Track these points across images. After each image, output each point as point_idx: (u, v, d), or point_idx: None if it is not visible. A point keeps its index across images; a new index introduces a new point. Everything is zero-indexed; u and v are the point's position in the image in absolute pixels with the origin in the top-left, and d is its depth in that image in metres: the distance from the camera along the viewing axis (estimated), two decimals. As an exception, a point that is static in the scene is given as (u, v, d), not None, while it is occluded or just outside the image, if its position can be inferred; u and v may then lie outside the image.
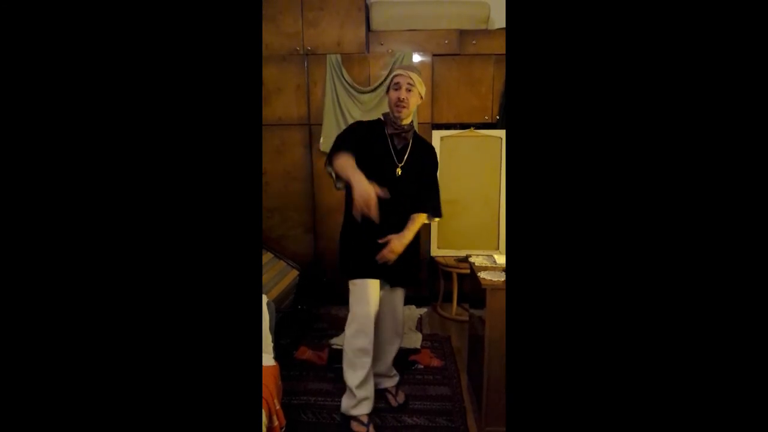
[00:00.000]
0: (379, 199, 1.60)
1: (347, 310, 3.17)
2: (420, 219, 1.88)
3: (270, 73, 3.02)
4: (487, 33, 3.04)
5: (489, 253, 2.38)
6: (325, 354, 2.54)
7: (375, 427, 1.93)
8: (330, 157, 1.79)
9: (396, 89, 1.77)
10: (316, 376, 2.38)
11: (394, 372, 2.15)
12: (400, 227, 1.82)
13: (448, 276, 3.11)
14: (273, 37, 3.01)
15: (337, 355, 2.50)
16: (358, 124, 1.89)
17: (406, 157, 1.85)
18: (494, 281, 1.79)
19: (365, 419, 1.91)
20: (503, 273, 1.88)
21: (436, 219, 1.98)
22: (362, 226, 1.73)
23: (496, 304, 1.78)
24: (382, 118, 1.88)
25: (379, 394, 2.06)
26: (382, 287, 1.92)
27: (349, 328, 1.90)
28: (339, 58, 2.97)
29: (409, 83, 1.76)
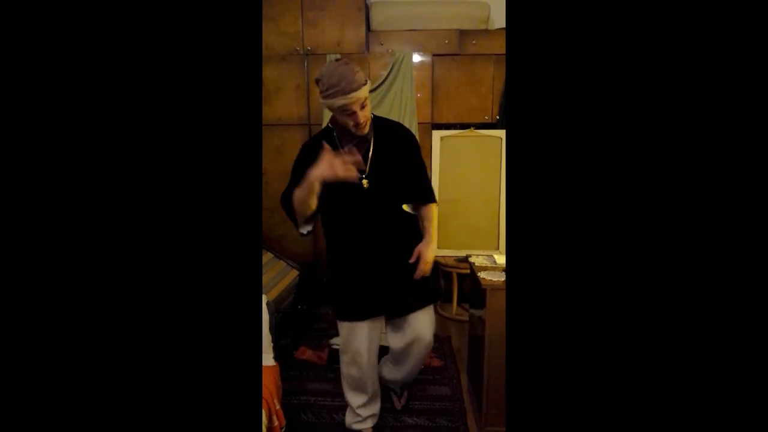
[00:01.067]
0: (354, 222, 1.52)
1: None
2: (433, 212, 1.67)
3: (270, 73, 3.02)
4: (487, 33, 3.04)
5: (489, 253, 2.38)
6: (325, 354, 2.54)
7: (375, 429, 1.91)
8: (284, 203, 1.57)
9: (349, 114, 1.46)
10: (316, 376, 2.38)
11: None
12: (386, 242, 1.60)
13: (448, 276, 3.11)
14: (273, 37, 3.01)
15: (337, 355, 2.51)
16: (304, 150, 1.62)
17: (369, 162, 1.56)
18: (494, 281, 1.79)
19: (365, 414, 1.87)
20: (503, 273, 1.88)
21: (441, 204, 1.76)
22: (349, 263, 1.60)
23: (496, 304, 1.78)
24: (331, 127, 1.60)
25: (385, 394, 2.01)
26: (390, 316, 1.72)
27: (344, 356, 1.77)
28: (339, 58, 2.97)
29: (361, 103, 1.46)
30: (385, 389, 2.00)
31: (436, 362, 2.48)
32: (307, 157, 1.53)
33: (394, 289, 1.63)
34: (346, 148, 1.46)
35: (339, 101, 1.43)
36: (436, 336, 2.75)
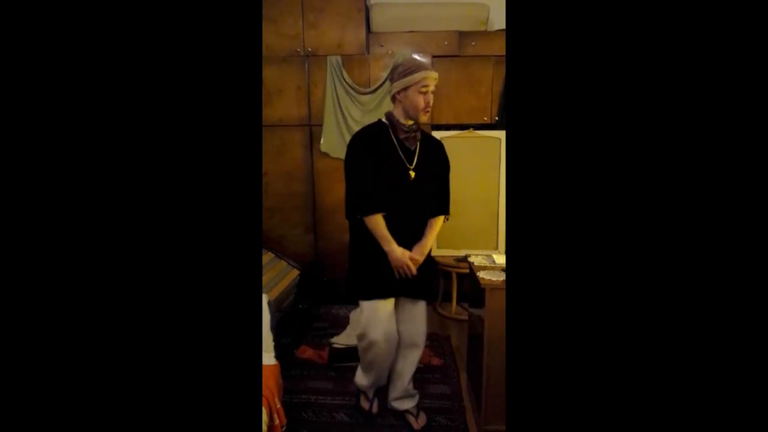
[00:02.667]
0: (396, 208, 1.69)
1: (347, 310, 3.17)
2: (439, 223, 1.81)
3: (271, 75, 3.03)
4: (486, 34, 3.06)
5: (488, 252, 2.39)
6: (325, 353, 2.55)
7: (379, 404, 2.04)
8: (354, 208, 1.71)
9: (424, 93, 1.64)
10: (316, 374, 2.39)
11: (414, 391, 1.99)
12: (417, 231, 1.77)
13: (447, 275, 3.12)
14: (273, 39, 3.02)
15: (337, 354, 2.52)
16: (359, 141, 1.74)
17: (416, 159, 1.74)
18: (493, 281, 1.80)
19: (371, 394, 2.03)
20: (502, 273, 1.90)
21: (446, 219, 1.88)
22: (375, 244, 1.72)
23: (495, 304, 1.79)
24: (385, 120, 1.75)
25: (400, 416, 1.99)
26: (401, 302, 1.86)
27: (360, 341, 1.86)
28: (339, 60, 2.99)
29: (435, 85, 1.66)
30: (401, 413, 2.00)
31: (435, 361, 2.49)
32: (373, 143, 1.71)
33: (404, 278, 1.77)
34: (409, 173, 1.69)
35: (420, 75, 1.62)
36: (435, 335, 2.79)
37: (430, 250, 1.86)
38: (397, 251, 1.69)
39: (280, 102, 3.08)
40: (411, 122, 1.72)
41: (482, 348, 1.85)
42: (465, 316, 2.89)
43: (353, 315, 3.05)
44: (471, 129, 3.07)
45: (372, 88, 3.01)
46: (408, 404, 1.97)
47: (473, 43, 3.02)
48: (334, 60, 2.98)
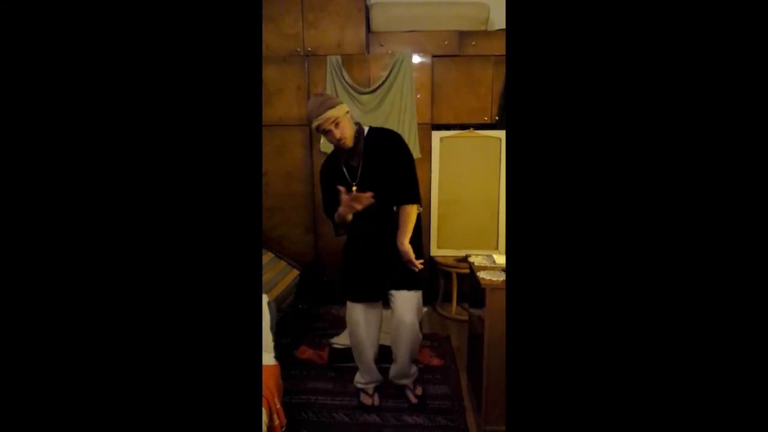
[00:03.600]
0: (353, 221, 1.88)
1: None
2: (408, 210, 1.88)
3: (271, 74, 3.03)
4: (486, 34, 3.05)
5: (488, 253, 2.39)
6: (325, 353, 2.55)
7: (379, 397, 2.15)
8: (326, 212, 1.98)
9: (326, 133, 1.81)
10: (316, 375, 2.39)
11: (414, 370, 2.15)
12: (377, 237, 1.91)
13: (447, 276, 3.12)
14: (273, 38, 3.02)
15: (337, 355, 2.52)
16: (322, 169, 2.01)
17: (360, 170, 1.88)
18: (493, 281, 1.80)
19: (371, 391, 2.14)
20: (502, 273, 1.89)
21: (419, 208, 1.92)
22: (354, 253, 1.96)
23: (496, 304, 1.78)
24: (334, 148, 1.91)
25: (399, 391, 2.19)
26: (386, 296, 2.01)
27: (348, 327, 2.10)
28: (339, 59, 2.98)
29: (333, 121, 1.76)
30: (400, 388, 2.18)
31: (435, 361, 2.49)
32: (327, 173, 1.97)
33: (378, 277, 1.96)
34: (352, 191, 1.84)
35: (314, 123, 1.79)
36: (435, 335, 2.79)
37: (420, 245, 1.98)
38: (343, 205, 1.81)
39: (280, 102, 3.08)
40: (349, 145, 1.84)
41: (482, 348, 1.85)
42: (465, 317, 2.89)
43: (353, 315, 3.05)
44: (471, 129, 3.07)
45: (372, 87, 3.00)
46: (406, 380, 2.16)
47: (473, 43, 3.01)
48: (334, 60, 2.98)
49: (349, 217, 1.86)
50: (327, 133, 1.80)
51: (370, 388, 2.14)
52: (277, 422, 1.64)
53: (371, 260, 1.95)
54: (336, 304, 3.27)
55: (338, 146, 1.84)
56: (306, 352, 2.58)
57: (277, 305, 2.26)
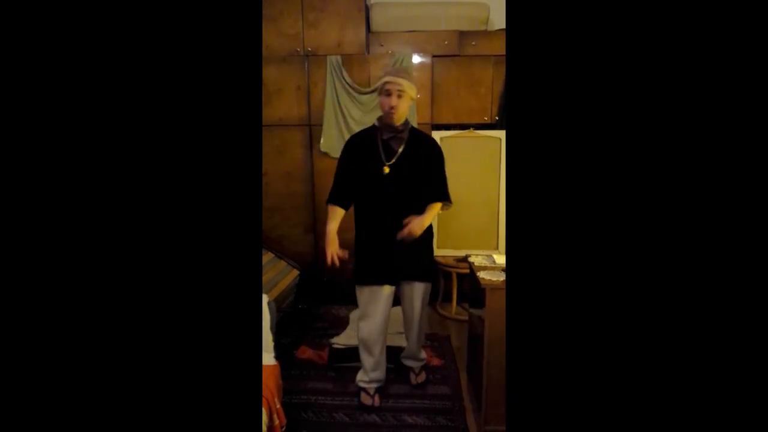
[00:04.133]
0: (374, 202, 1.95)
1: (347, 310, 3.20)
2: (436, 207, 1.97)
3: (271, 74, 3.03)
4: (486, 34, 3.05)
5: (488, 253, 2.39)
6: (325, 353, 2.54)
7: (380, 398, 2.14)
8: (335, 193, 2.00)
9: (387, 95, 1.85)
10: (316, 375, 2.39)
11: (423, 356, 2.29)
12: (393, 219, 1.93)
13: (447, 276, 3.11)
14: (273, 38, 3.02)
15: (337, 355, 2.52)
16: (347, 143, 2.02)
17: (399, 155, 1.93)
18: (493, 281, 1.80)
19: (372, 391, 2.12)
20: (502, 273, 1.89)
21: (448, 206, 2.05)
22: (368, 236, 1.99)
23: (496, 304, 1.78)
24: (376, 123, 1.97)
25: (405, 371, 2.31)
26: (397, 284, 2.06)
27: (360, 323, 2.08)
28: (339, 59, 2.98)
29: (399, 90, 1.83)
30: (405, 369, 2.31)
31: (435, 361, 2.48)
32: (356, 146, 1.98)
33: (399, 263, 1.98)
34: (383, 170, 1.92)
35: (385, 78, 1.84)
36: (435, 335, 2.79)
37: (431, 240, 2.08)
38: (330, 231, 1.96)
39: (280, 102, 3.08)
40: (396, 124, 1.91)
41: (482, 348, 1.85)
42: (465, 317, 2.89)
43: (353, 315, 3.05)
44: (471, 129, 3.07)
45: (372, 87, 3.00)
46: (412, 363, 2.28)
47: (473, 43, 3.01)
48: (334, 60, 2.98)
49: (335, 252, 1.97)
50: (387, 95, 1.84)
51: (372, 388, 2.13)
52: (277, 422, 1.64)
53: (392, 248, 1.95)
54: (336, 304, 3.27)
55: (386, 115, 1.88)
56: (306, 352, 2.58)
57: (277, 305, 2.26)
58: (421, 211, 1.94)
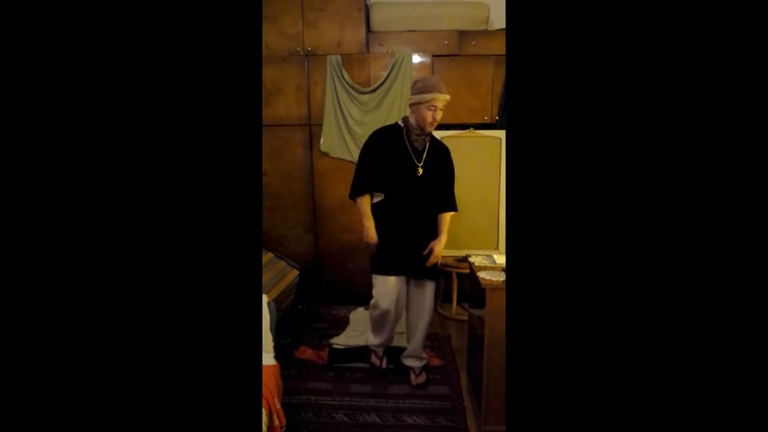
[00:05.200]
0: (405, 199, 2.09)
1: (347, 310, 3.21)
2: (448, 218, 2.18)
3: (270, 74, 3.02)
4: (486, 34, 3.05)
5: (488, 253, 2.39)
6: (325, 353, 2.54)
7: (387, 359, 2.36)
8: (354, 189, 2.13)
9: (432, 110, 1.98)
10: (316, 375, 2.39)
11: (424, 356, 2.35)
12: (423, 218, 2.12)
13: (447, 276, 3.11)
14: (273, 38, 3.02)
15: (337, 355, 2.52)
16: (374, 138, 2.13)
17: (424, 158, 2.10)
18: (494, 281, 1.80)
19: (380, 353, 2.35)
20: (503, 273, 1.89)
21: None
22: (394, 230, 2.11)
23: (496, 304, 1.78)
24: (401, 123, 2.12)
25: (405, 371, 2.35)
26: (408, 280, 2.21)
27: (371, 310, 2.25)
28: (339, 59, 2.98)
29: (443, 106, 2.00)
30: (406, 369, 2.35)
31: (435, 362, 2.48)
32: (386, 145, 2.10)
33: (415, 258, 2.14)
34: (417, 171, 2.08)
35: (431, 96, 1.96)
36: (436, 335, 2.79)
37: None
38: (370, 228, 2.11)
39: (280, 101, 3.08)
40: (423, 130, 2.06)
41: (483, 348, 1.84)
42: (465, 317, 2.89)
43: (353, 315, 3.05)
44: (471, 128, 3.06)
45: (372, 87, 3.00)
46: (413, 363, 2.32)
47: (474, 43, 3.01)
48: (333, 59, 2.97)
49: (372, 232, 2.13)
50: (432, 110, 1.97)
51: (381, 350, 2.32)
52: (276, 422, 1.64)
53: (409, 245, 2.12)
54: (336, 304, 3.26)
55: (423, 126, 2.03)
56: (306, 353, 2.57)
57: (276, 305, 2.25)
58: (436, 215, 2.16)
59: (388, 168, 2.07)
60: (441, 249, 2.14)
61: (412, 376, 2.29)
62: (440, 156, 2.16)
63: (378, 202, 2.15)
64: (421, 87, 1.99)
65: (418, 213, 2.11)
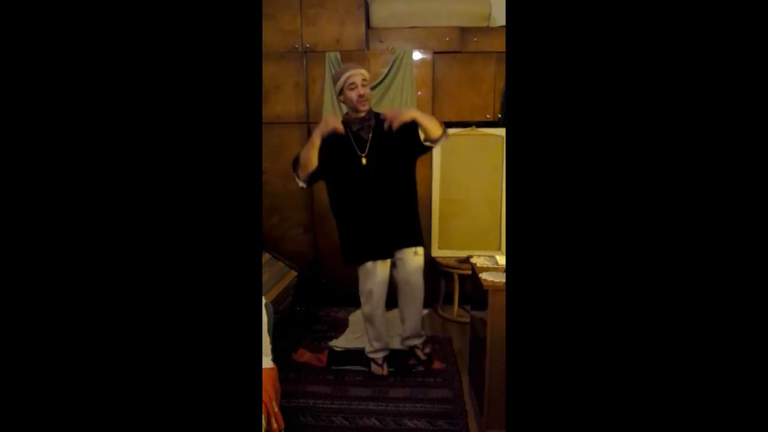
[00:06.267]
0: (353, 189, 2.13)
1: (346, 312, 3.20)
2: (433, 120, 2.07)
3: (269, 71, 2.98)
4: (488, 30, 3.01)
5: (491, 253, 2.35)
6: (324, 356, 2.51)
7: (387, 366, 2.36)
8: (293, 164, 2.13)
9: (353, 88, 2.04)
10: (315, 378, 2.36)
11: (423, 332, 2.45)
12: (377, 206, 2.13)
13: (449, 277, 3.08)
14: (272, 35, 2.98)
15: (336, 357, 2.48)
16: (325, 137, 2.05)
17: (368, 145, 2.11)
18: (496, 282, 1.76)
19: (380, 361, 2.35)
20: (504, 274, 1.85)
21: (446, 136, 2.13)
22: (354, 220, 2.16)
23: (498, 306, 1.76)
24: (344, 120, 2.11)
25: (410, 352, 2.44)
26: (393, 256, 2.24)
27: (361, 297, 2.32)
28: (338, 56, 2.94)
29: (363, 80, 2.04)
30: (409, 351, 2.44)
31: (437, 364, 2.45)
32: (330, 141, 2.03)
33: (386, 235, 2.18)
34: (361, 161, 2.08)
35: (345, 76, 2.03)
36: (437, 338, 2.76)
37: (415, 203, 2.28)
38: (321, 123, 2.03)
39: (278, 99, 3.04)
40: (360, 115, 2.10)
41: (485, 351, 1.82)
42: (467, 319, 2.85)
43: (352, 317, 3.01)
44: (473, 126, 3.02)
45: (372, 84, 2.95)
46: (415, 341, 2.43)
47: (475, 39, 2.97)
48: (333, 56, 2.94)
49: (315, 157, 2.02)
50: (353, 88, 2.03)
51: (380, 357, 2.34)
52: (275, 426, 1.61)
53: (378, 222, 2.14)
54: (335, 306, 3.23)
55: (355, 108, 2.08)
56: (304, 355, 2.54)
57: (275, 307, 2.22)
58: (398, 191, 2.17)
59: (332, 164, 2.09)
60: (405, 115, 2.00)
61: (418, 353, 2.41)
62: (389, 133, 2.05)
63: (332, 199, 2.24)
64: (335, 75, 2.11)
65: (368, 200, 2.14)
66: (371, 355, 2.36)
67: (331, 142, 2.03)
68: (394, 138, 2.07)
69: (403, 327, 2.40)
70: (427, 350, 2.43)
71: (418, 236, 2.26)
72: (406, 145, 2.12)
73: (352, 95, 2.04)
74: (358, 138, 2.12)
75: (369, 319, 2.31)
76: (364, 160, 2.10)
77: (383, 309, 2.32)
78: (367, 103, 2.09)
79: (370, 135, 2.12)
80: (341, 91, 2.07)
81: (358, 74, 2.03)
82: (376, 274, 2.21)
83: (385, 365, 2.34)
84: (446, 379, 2.32)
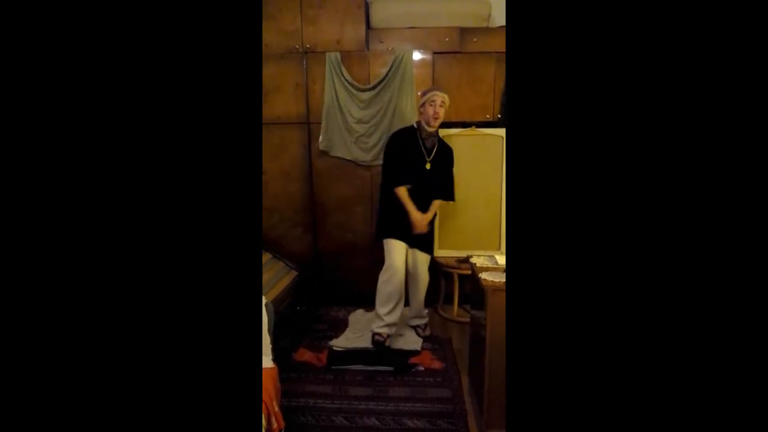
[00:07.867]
0: (415, 186, 2.54)
1: (347, 311, 3.20)
2: (437, 203, 2.64)
3: (269, 72, 2.98)
4: (488, 31, 3.01)
5: (490, 253, 2.35)
6: (324, 355, 2.51)
7: (390, 341, 2.63)
8: (388, 180, 2.58)
9: (432, 105, 2.42)
10: (315, 378, 2.36)
11: (425, 313, 2.83)
12: (427, 205, 2.58)
13: (448, 277, 3.08)
14: (272, 35, 2.98)
15: (336, 357, 2.48)
16: (396, 138, 2.58)
17: (433, 154, 2.55)
18: (495, 282, 1.76)
19: (384, 334, 2.59)
20: (504, 274, 1.85)
21: (450, 202, 2.72)
22: (396, 204, 2.55)
23: (498, 305, 1.75)
24: (414, 125, 2.56)
25: (411, 329, 2.81)
26: (411, 251, 2.66)
27: (383, 275, 2.61)
28: (338, 56, 2.94)
29: (442, 101, 2.42)
30: (412, 326, 2.81)
31: (436, 364, 2.45)
32: (403, 143, 2.55)
33: (415, 234, 2.59)
34: (425, 166, 2.58)
35: (430, 94, 2.44)
36: (437, 338, 2.77)
37: (433, 223, 2.69)
38: (417, 215, 2.52)
39: (279, 99, 3.04)
40: (431, 129, 2.49)
41: (484, 350, 1.82)
42: (467, 319, 2.85)
43: (352, 317, 3.01)
44: (473, 127, 3.02)
45: (372, 84, 2.96)
46: (418, 321, 2.83)
47: (475, 40, 2.97)
48: (333, 56, 2.94)
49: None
50: (432, 105, 2.42)
51: (385, 333, 2.59)
52: (275, 425, 1.62)
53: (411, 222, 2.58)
54: (335, 305, 3.23)
55: (428, 122, 2.46)
56: (304, 355, 2.54)
57: (275, 307, 2.22)
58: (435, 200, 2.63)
59: (406, 162, 2.52)
60: (424, 219, 2.56)
61: (419, 331, 2.79)
62: (445, 154, 2.62)
63: (387, 191, 2.62)
64: (424, 91, 2.51)
65: (422, 198, 2.56)
66: (376, 329, 2.59)
67: (405, 145, 2.52)
68: (444, 160, 2.61)
69: (410, 309, 2.80)
70: (428, 332, 2.81)
71: (432, 245, 2.74)
72: (448, 168, 2.66)
73: (429, 111, 2.43)
74: (425, 146, 2.53)
75: (388, 294, 2.58)
76: (428, 165, 2.54)
77: (402, 292, 2.59)
78: (438, 122, 2.46)
79: (435, 148, 2.55)
80: (423, 104, 2.45)
81: (440, 96, 2.41)
82: (398, 251, 2.58)
83: (388, 338, 2.61)
84: (446, 379, 2.33)
